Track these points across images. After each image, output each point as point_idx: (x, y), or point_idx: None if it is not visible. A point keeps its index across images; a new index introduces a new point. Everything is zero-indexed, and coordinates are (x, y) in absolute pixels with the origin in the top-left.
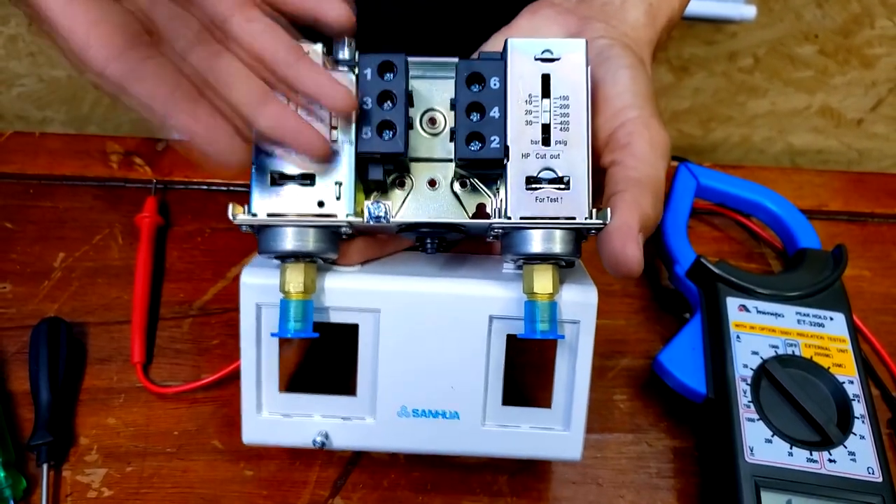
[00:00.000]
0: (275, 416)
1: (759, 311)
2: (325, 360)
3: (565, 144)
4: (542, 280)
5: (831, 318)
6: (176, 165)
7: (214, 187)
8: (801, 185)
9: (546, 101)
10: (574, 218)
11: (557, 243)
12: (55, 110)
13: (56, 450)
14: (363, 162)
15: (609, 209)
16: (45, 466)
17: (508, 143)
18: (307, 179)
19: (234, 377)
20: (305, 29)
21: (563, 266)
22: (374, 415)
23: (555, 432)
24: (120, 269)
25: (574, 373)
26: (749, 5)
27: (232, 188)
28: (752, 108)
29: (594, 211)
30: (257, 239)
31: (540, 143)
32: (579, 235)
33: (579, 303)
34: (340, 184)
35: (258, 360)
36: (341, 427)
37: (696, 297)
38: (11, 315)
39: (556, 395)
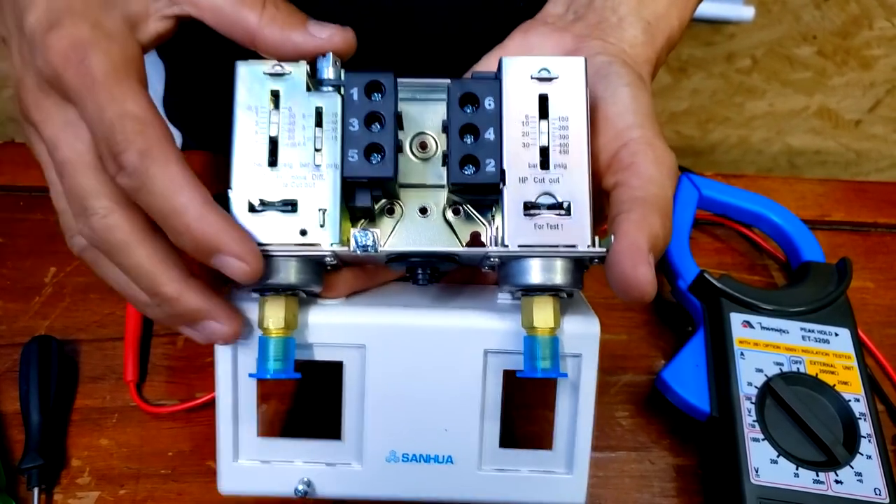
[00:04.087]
0: (253, 463)
1: (763, 327)
2: (307, 400)
3: (565, 168)
4: (543, 313)
5: (836, 334)
6: None
7: None
8: (804, 195)
9: (544, 122)
10: (575, 246)
11: (559, 273)
12: None
13: (47, 473)
14: (349, 187)
15: (612, 235)
16: (36, 490)
17: (504, 167)
18: (289, 206)
19: None
20: None
21: (563, 298)
22: (360, 460)
23: (556, 475)
24: None
25: (577, 411)
26: (747, 6)
27: None
28: (750, 109)
29: (596, 238)
30: None
31: (538, 166)
32: (581, 265)
33: (580, 334)
34: (325, 210)
35: (235, 402)
36: (326, 474)
37: (699, 311)
38: (2, 332)
39: (557, 436)
